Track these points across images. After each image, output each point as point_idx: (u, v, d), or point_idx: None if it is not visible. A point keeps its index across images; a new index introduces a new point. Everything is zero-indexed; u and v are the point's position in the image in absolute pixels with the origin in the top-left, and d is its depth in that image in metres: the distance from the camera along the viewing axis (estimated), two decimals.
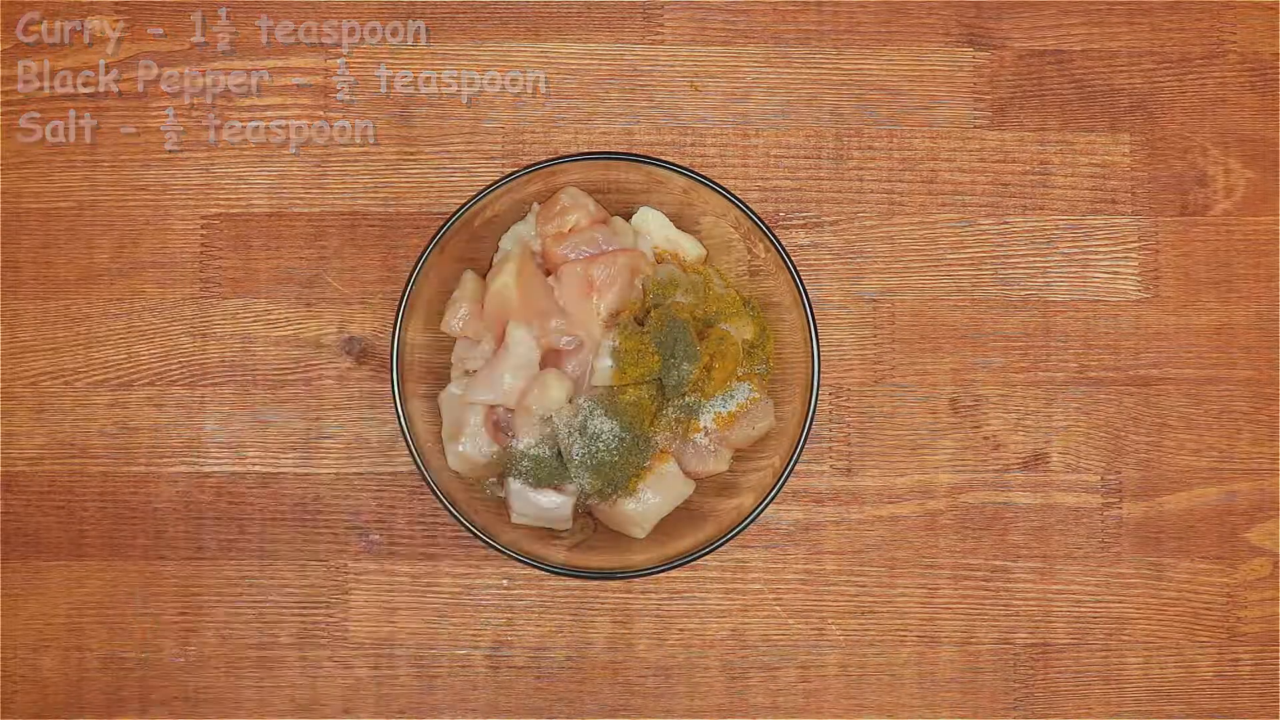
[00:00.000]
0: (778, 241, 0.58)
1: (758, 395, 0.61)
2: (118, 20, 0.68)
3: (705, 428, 0.61)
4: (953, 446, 0.67)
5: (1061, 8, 0.69)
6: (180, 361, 0.66)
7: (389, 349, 0.57)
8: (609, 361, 0.58)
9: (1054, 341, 0.67)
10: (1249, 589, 0.67)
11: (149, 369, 0.66)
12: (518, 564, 0.57)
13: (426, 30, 0.68)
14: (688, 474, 0.61)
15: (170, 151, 0.67)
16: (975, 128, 0.68)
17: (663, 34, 0.68)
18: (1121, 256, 0.68)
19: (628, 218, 0.63)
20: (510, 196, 0.60)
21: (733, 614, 0.66)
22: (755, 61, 0.68)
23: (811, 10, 0.69)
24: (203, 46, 0.68)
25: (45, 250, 0.67)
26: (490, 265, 0.63)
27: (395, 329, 0.57)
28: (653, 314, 0.60)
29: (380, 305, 0.66)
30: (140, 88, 0.67)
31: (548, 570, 0.57)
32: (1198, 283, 0.68)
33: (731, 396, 0.60)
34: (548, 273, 0.61)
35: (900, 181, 0.68)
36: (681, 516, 0.62)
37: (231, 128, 0.67)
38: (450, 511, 0.56)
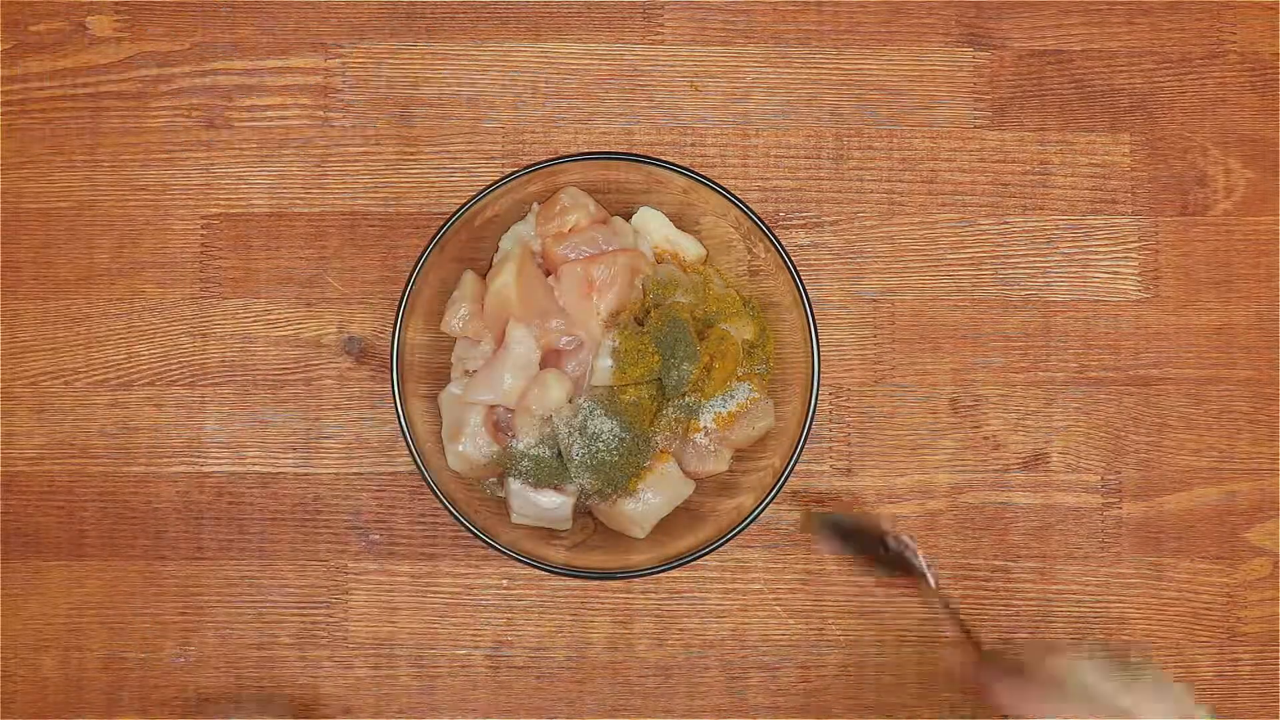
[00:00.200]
0: (778, 241, 0.58)
1: (758, 395, 0.61)
2: (118, 20, 0.68)
3: (705, 428, 0.61)
4: (953, 446, 0.67)
5: (1061, 8, 0.69)
6: (180, 361, 0.66)
7: (389, 349, 0.57)
8: (609, 361, 0.58)
9: (1054, 341, 0.67)
10: (1249, 589, 0.67)
11: (149, 369, 0.66)
12: (518, 564, 0.57)
13: (426, 30, 0.68)
14: (688, 474, 0.61)
15: (170, 151, 0.67)
16: (975, 128, 0.68)
17: (663, 34, 0.68)
18: (1121, 256, 0.68)
19: (628, 218, 0.63)
20: (510, 196, 0.60)
21: (733, 614, 0.66)
22: (755, 61, 0.68)
23: (811, 10, 0.69)
24: (203, 46, 0.68)
25: (45, 250, 0.67)
26: (490, 265, 0.63)
27: (395, 329, 0.57)
28: (653, 314, 0.60)
29: (380, 305, 0.66)
30: (140, 88, 0.67)
31: (548, 570, 0.57)
32: (1198, 283, 0.68)
33: (731, 396, 0.60)
34: (548, 273, 0.61)
35: (900, 181, 0.68)
36: (681, 516, 0.62)
37: (231, 128, 0.67)
38: (450, 511, 0.56)
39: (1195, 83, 0.69)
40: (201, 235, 0.67)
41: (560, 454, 0.59)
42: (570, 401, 0.59)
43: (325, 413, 0.66)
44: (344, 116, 0.67)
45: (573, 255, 0.60)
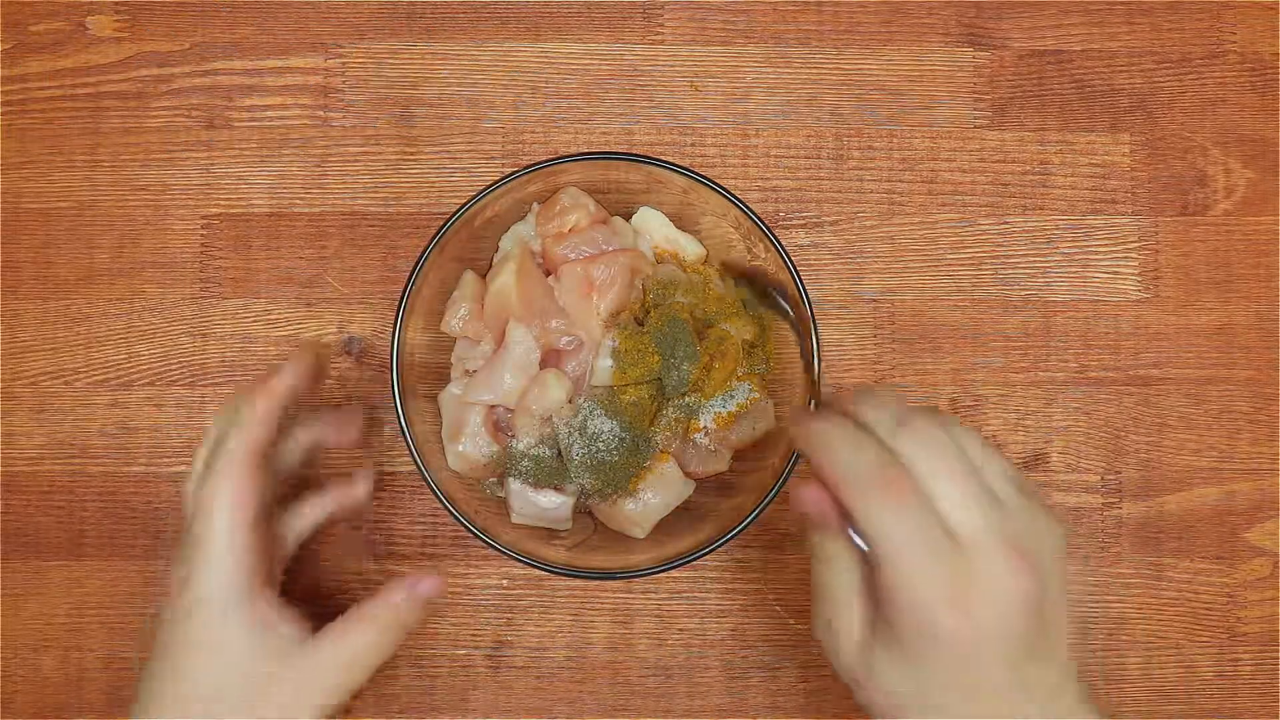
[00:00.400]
0: (778, 241, 0.58)
1: (758, 395, 0.61)
2: (118, 20, 0.68)
3: (705, 428, 0.61)
4: None
5: (1061, 8, 0.69)
6: (180, 361, 0.66)
7: (389, 349, 0.57)
8: (609, 361, 0.58)
9: (1054, 341, 0.67)
10: (1249, 589, 0.67)
11: (149, 369, 0.66)
12: (518, 564, 0.56)
13: (426, 30, 0.68)
14: (688, 474, 0.61)
15: (170, 151, 0.67)
16: (975, 128, 0.68)
17: (663, 34, 0.68)
18: (1121, 256, 0.68)
19: (628, 218, 0.63)
20: (510, 196, 0.60)
21: (733, 614, 0.66)
22: (755, 61, 0.68)
23: (811, 10, 0.69)
24: (203, 46, 0.68)
25: (45, 250, 0.67)
26: (490, 265, 0.63)
27: (395, 329, 0.57)
28: (653, 314, 0.60)
29: (380, 305, 0.66)
30: (140, 88, 0.67)
31: (548, 570, 0.57)
32: (1198, 283, 0.68)
33: (731, 396, 0.60)
34: (548, 273, 0.61)
35: (900, 181, 0.68)
36: (681, 516, 0.62)
37: (231, 128, 0.67)
38: (450, 511, 0.56)
39: (1195, 83, 0.69)
40: (201, 235, 0.67)
41: (560, 454, 0.59)
42: (570, 401, 0.59)
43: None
44: (344, 116, 0.67)
45: (573, 255, 0.60)
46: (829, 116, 0.68)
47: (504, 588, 0.66)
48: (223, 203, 0.67)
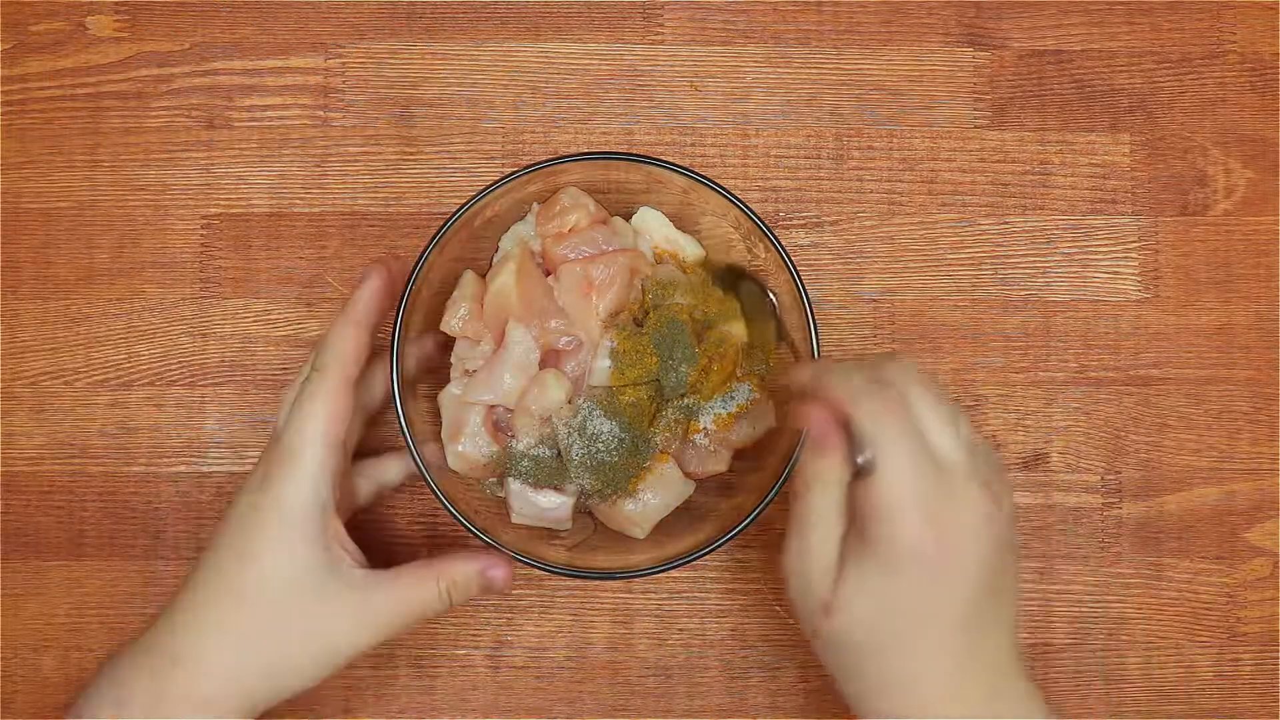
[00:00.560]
0: (778, 241, 0.58)
1: (758, 396, 0.61)
2: (118, 20, 0.68)
3: (705, 428, 0.61)
4: None
5: (1061, 8, 0.69)
6: (180, 361, 0.66)
7: (389, 349, 0.57)
8: (608, 362, 0.58)
9: (1054, 341, 0.67)
10: (1249, 589, 0.67)
11: (149, 369, 0.66)
12: (518, 564, 0.56)
13: (426, 30, 0.68)
14: (688, 475, 0.61)
15: (170, 151, 0.67)
16: (975, 128, 0.68)
17: (663, 34, 0.68)
18: (1121, 256, 0.68)
19: (628, 218, 0.63)
20: (510, 196, 0.60)
21: (733, 614, 0.66)
22: (755, 61, 0.68)
23: (811, 10, 0.69)
24: (203, 46, 0.68)
25: (45, 250, 0.67)
26: (490, 265, 0.63)
27: (395, 329, 0.57)
28: (652, 315, 0.59)
29: None
30: (140, 88, 0.67)
31: (548, 570, 0.57)
32: (1198, 283, 0.68)
33: (731, 397, 0.60)
34: (548, 273, 0.61)
35: (900, 181, 0.68)
36: (681, 516, 0.61)
37: (231, 128, 0.67)
38: (450, 511, 0.56)
39: (1195, 83, 0.69)
40: (201, 235, 0.67)
41: (560, 454, 0.59)
42: (570, 402, 0.59)
43: None
44: (344, 116, 0.67)
45: (573, 255, 0.60)
46: (829, 116, 0.68)
47: None
48: (223, 203, 0.67)
